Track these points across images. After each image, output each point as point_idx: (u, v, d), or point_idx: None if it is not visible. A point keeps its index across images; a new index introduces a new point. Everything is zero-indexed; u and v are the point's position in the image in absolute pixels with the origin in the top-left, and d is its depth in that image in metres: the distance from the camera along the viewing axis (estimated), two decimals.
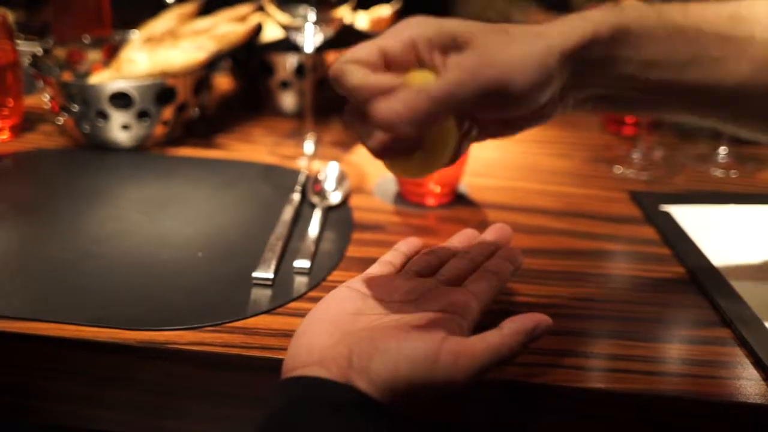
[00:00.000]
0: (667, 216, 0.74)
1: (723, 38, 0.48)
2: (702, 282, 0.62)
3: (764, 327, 0.55)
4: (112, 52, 0.98)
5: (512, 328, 0.44)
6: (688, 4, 0.49)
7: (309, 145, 0.88)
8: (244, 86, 1.05)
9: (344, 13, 0.81)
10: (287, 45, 0.92)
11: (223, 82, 1.09)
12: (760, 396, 0.49)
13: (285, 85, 0.99)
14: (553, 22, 0.45)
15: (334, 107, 1.02)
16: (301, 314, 0.53)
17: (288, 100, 1.01)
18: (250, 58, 0.99)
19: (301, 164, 0.84)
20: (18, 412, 0.58)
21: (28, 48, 1.06)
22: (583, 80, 0.47)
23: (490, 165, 0.89)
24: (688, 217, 0.74)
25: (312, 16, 0.80)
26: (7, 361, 0.55)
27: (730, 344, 0.55)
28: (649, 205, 0.77)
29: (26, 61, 0.90)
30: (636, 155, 0.91)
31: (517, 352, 0.44)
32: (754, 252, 0.67)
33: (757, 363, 0.52)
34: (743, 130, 0.55)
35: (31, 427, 0.63)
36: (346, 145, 0.92)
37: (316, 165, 0.84)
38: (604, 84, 0.48)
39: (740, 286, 0.61)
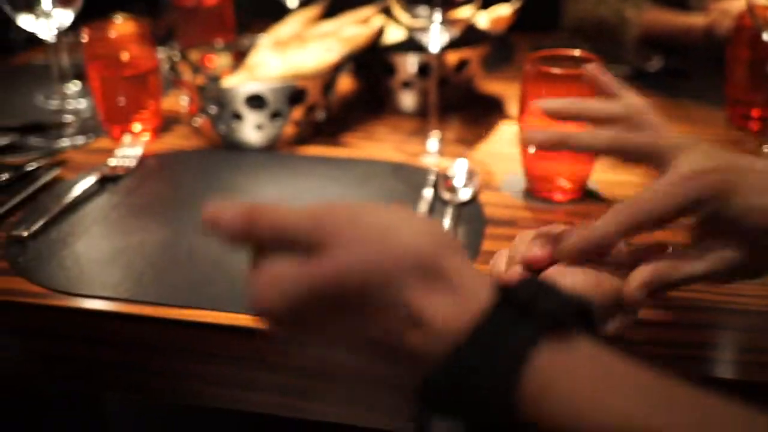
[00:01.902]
0: None
1: None
2: None
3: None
4: (240, 56, 1.02)
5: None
6: None
7: (433, 143, 0.89)
8: (366, 87, 1.07)
9: (469, 13, 0.82)
10: (408, 46, 0.93)
11: (344, 83, 1.12)
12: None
13: (406, 85, 1.01)
14: None
15: (455, 106, 1.04)
16: None
17: (409, 100, 1.02)
18: (372, 59, 1.01)
19: (429, 161, 0.86)
20: (171, 394, 0.62)
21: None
22: None
23: None
24: None
25: (438, 16, 0.81)
26: (166, 346, 0.59)
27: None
28: None
29: (165, 66, 0.95)
30: (767, 150, 0.88)
31: None
32: None
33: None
34: None
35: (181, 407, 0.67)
36: (469, 143, 0.93)
37: (444, 162, 0.85)
38: None
39: None
